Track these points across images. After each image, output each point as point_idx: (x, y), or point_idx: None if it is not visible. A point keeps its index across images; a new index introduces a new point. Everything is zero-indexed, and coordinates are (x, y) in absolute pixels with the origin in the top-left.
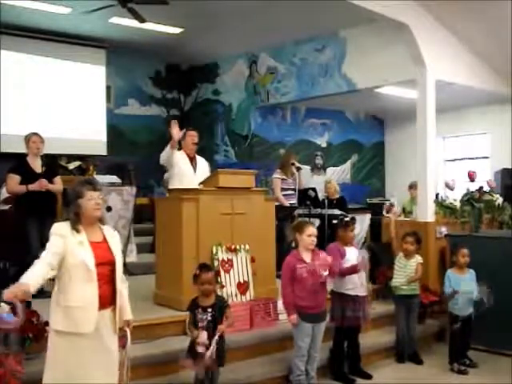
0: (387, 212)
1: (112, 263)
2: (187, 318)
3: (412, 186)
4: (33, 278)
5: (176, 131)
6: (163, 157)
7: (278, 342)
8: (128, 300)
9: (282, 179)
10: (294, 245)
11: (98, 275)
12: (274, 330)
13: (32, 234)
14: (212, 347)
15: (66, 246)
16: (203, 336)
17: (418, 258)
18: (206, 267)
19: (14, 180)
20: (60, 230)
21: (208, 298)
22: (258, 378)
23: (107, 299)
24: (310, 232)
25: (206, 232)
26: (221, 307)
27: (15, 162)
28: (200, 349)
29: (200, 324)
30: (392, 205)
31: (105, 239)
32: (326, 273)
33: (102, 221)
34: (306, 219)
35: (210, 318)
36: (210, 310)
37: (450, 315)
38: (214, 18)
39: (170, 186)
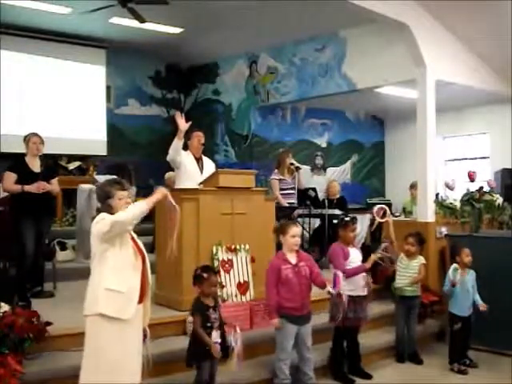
0: (381, 217)
1: (144, 260)
2: (196, 319)
3: (413, 186)
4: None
5: (182, 122)
6: (171, 152)
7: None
8: None
9: (280, 179)
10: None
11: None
12: (273, 330)
13: (27, 235)
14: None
15: None
16: (218, 336)
17: (421, 259)
18: (212, 270)
19: (10, 178)
20: None
21: (210, 297)
22: (257, 377)
23: (143, 294)
24: (294, 233)
25: (206, 232)
26: (218, 305)
27: (13, 161)
28: (218, 348)
29: (215, 324)
30: (382, 208)
31: (133, 237)
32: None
33: None
34: (299, 220)
35: (218, 317)
36: (216, 309)
37: (450, 315)
38: (214, 18)
39: (177, 187)
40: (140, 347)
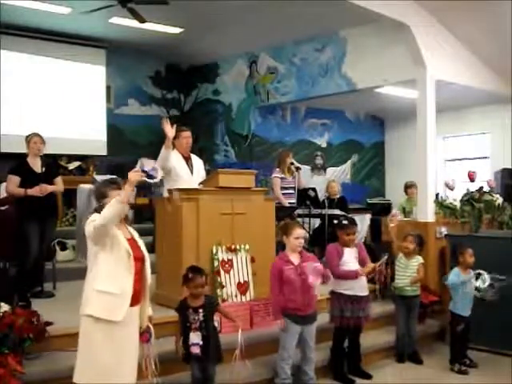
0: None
1: (142, 260)
2: (178, 318)
3: (409, 186)
4: None
5: (169, 129)
6: (160, 161)
7: (278, 342)
8: None
9: (282, 178)
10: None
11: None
12: (274, 330)
13: (31, 236)
14: (240, 345)
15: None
16: (197, 337)
17: (420, 259)
18: (198, 271)
19: (13, 181)
20: None
21: (198, 298)
22: (257, 377)
23: (138, 295)
24: (297, 234)
25: (206, 232)
26: (210, 306)
27: (15, 163)
28: (195, 350)
29: (193, 325)
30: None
31: (132, 237)
32: (319, 281)
33: (127, 220)
34: (299, 220)
35: (202, 319)
36: (201, 310)
37: (453, 315)
38: (214, 18)
39: (167, 187)
40: (135, 349)
